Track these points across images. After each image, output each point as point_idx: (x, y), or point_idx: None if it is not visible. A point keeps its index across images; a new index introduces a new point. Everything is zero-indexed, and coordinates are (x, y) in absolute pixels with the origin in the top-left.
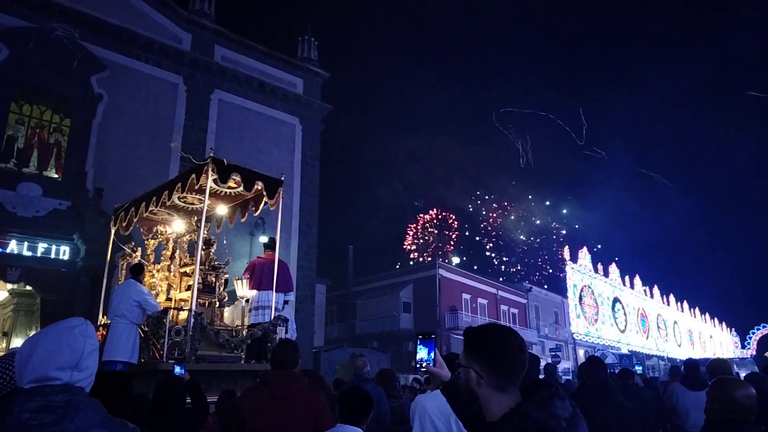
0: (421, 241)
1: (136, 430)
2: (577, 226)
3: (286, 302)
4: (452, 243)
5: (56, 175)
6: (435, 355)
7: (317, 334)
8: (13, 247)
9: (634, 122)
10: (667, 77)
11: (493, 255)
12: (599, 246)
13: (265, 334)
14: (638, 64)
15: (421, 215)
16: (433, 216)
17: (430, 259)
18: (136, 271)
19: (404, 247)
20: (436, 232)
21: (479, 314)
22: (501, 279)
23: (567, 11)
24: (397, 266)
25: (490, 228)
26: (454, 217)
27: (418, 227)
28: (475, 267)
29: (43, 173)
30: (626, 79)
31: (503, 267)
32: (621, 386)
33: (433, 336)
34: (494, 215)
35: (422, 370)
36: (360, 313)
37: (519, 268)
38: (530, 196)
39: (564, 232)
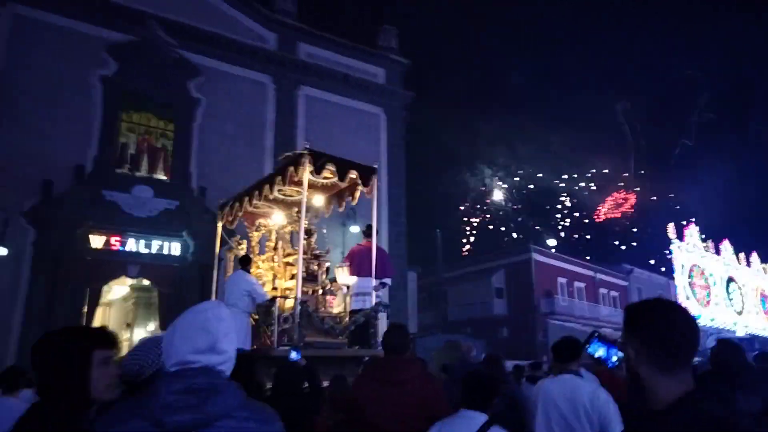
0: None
1: (274, 413)
2: (677, 207)
3: (383, 285)
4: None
5: (165, 177)
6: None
7: (411, 321)
8: (131, 245)
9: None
10: None
11: (588, 237)
12: (709, 221)
13: (367, 320)
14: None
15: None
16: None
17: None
18: (245, 262)
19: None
20: (516, 206)
21: (576, 298)
22: (601, 258)
23: None
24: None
25: (585, 210)
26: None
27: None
28: (569, 249)
29: (153, 176)
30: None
31: (597, 248)
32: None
33: (595, 333)
34: (587, 194)
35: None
36: (451, 299)
37: (620, 248)
38: (632, 173)
39: (677, 208)
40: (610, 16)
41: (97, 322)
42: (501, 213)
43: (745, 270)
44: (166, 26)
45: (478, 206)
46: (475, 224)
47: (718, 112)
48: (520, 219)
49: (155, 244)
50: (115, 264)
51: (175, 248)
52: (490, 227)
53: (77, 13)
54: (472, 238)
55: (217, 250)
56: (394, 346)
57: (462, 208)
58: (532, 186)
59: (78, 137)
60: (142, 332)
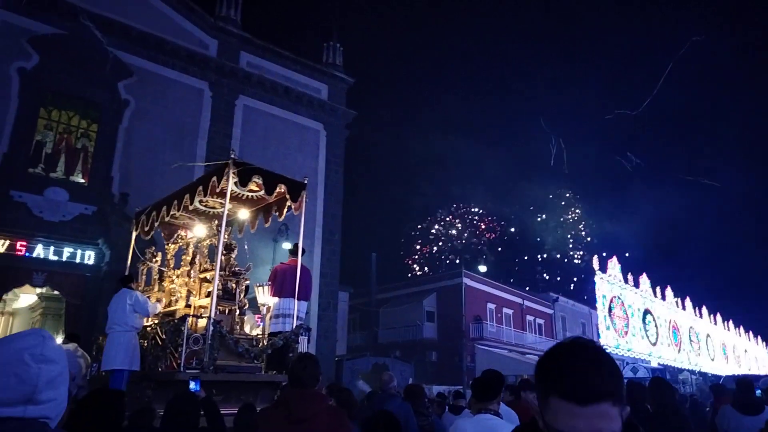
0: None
1: None
2: (602, 236)
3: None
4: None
5: (83, 180)
6: None
7: (340, 342)
8: (39, 251)
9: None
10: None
11: (516, 264)
12: (627, 255)
13: (287, 343)
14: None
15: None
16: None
17: (457, 260)
18: (127, 281)
19: (419, 251)
20: (459, 229)
21: (504, 324)
22: (527, 288)
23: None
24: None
25: (517, 236)
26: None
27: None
28: (500, 277)
29: (69, 178)
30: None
31: (524, 275)
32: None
33: None
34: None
35: None
36: (383, 321)
37: (546, 277)
38: (563, 202)
39: (593, 240)
40: (549, 49)
41: None
42: (441, 236)
43: (660, 303)
44: (99, 23)
45: (420, 227)
46: (414, 246)
47: (643, 158)
48: (458, 242)
49: (66, 252)
50: (18, 271)
51: (88, 257)
52: (428, 250)
53: None
54: (408, 260)
55: (129, 261)
56: (301, 379)
57: (403, 228)
58: (476, 209)
59: None
60: None
